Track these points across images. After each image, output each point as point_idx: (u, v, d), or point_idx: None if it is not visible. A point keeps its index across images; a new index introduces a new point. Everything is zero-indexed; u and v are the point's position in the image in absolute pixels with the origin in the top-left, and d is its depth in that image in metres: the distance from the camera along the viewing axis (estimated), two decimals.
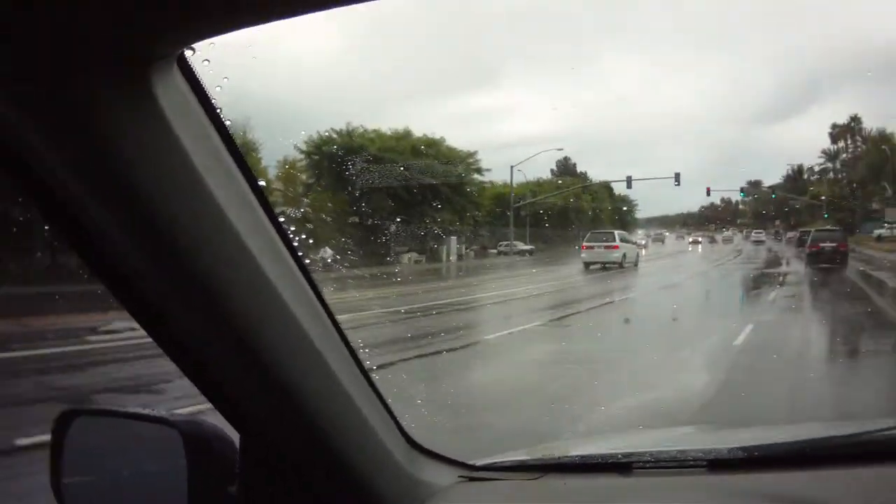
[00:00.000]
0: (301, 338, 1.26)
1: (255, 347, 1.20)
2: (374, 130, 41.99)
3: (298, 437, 1.34)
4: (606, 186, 69.39)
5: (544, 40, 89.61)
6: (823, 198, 71.04)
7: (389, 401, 1.56)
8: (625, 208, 71.72)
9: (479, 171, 47.85)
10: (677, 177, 44.44)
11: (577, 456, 2.00)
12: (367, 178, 31.28)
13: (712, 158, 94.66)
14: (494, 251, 47.49)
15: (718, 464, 1.73)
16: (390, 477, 1.51)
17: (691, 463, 1.76)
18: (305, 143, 39.37)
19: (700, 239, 67.15)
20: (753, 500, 1.59)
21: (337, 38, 61.85)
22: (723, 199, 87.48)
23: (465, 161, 45.82)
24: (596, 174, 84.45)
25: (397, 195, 35.43)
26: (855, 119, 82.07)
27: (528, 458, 1.94)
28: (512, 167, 51.29)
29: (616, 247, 33.47)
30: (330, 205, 31.93)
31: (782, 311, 17.92)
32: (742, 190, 64.76)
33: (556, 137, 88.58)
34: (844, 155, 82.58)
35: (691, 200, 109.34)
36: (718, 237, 72.24)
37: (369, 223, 31.03)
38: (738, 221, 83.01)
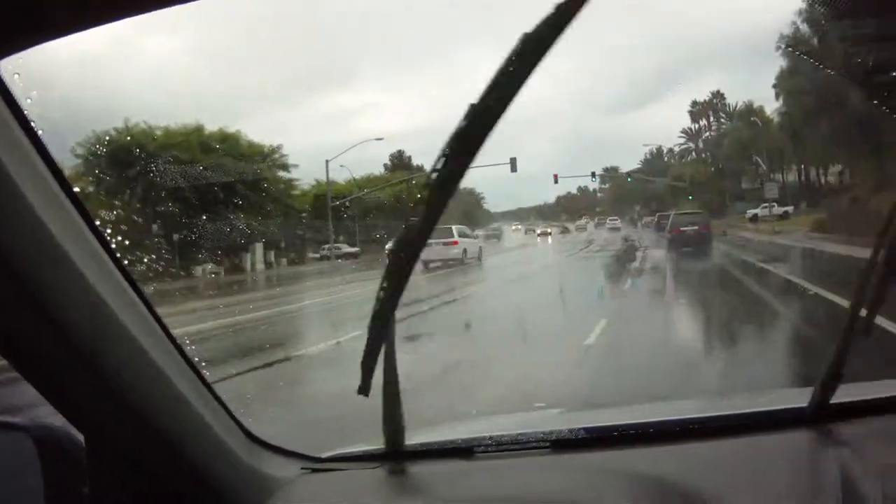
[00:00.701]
0: (132, 343, 1.31)
1: (89, 352, 1.24)
2: (163, 127, 38.07)
3: (137, 435, 1.36)
4: None
5: (397, 39, 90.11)
6: (687, 179, 63.72)
7: (225, 397, 1.59)
8: (472, 201, 69.06)
9: (284, 167, 45.12)
10: (513, 162, 43.15)
11: (418, 444, 1.95)
12: (145, 181, 29.45)
13: (571, 149, 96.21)
14: (317, 256, 44.14)
15: (560, 444, 1.82)
16: (232, 470, 1.55)
17: (533, 444, 1.82)
18: (80, 144, 33.70)
19: (549, 230, 63.74)
20: (593, 476, 1.65)
21: (178, 44, 62.75)
22: (580, 189, 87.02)
23: (268, 157, 43.74)
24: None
25: (184, 198, 31.69)
26: (717, 95, 76.66)
27: (371, 447, 1.95)
28: (327, 161, 46.81)
29: (455, 243, 32.25)
30: (105, 214, 26.36)
31: (640, 303, 17.10)
32: (593, 175, 61.12)
33: (412, 133, 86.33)
34: (707, 133, 78.33)
35: (549, 192, 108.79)
36: (572, 227, 70.31)
37: (155, 232, 29.26)
38: (597, 209, 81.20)
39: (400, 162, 68.25)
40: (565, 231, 65.62)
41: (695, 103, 77.26)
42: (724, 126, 72.62)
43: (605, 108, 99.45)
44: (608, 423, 1.95)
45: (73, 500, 1.37)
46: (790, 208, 51.48)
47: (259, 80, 72.41)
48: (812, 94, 36.76)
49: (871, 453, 1.52)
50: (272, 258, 41.00)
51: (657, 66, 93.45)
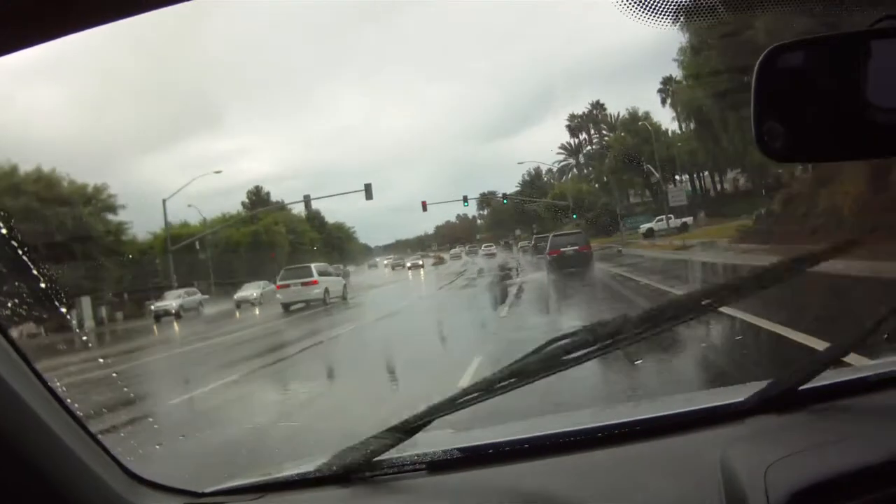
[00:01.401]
0: (3, 386, 1.32)
1: None
2: None
3: (13, 477, 1.36)
4: (317, 216, 66.39)
5: (266, 81, 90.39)
6: (569, 197, 57.35)
7: (104, 441, 1.60)
8: (341, 235, 68.57)
9: (111, 209, 42.05)
10: (367, 188, 41.72)
11: (295, 474, 1.97)
12: None
13: (450, 177, 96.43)
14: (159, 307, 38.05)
15: (436, 465, 1.82)
16: None
17: (409, 467, 1.82)
18: None
19: (420, 262, 59.30)
20: (468, 497, 1.66)
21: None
22: (458, 217, 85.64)
23: (90, 199, 40.64)
24: (326, 205, 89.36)
25: None
26: (597, 105, 70.86)
27: (251, 480, 1.98)
28: (164, 200, 43.28)
29: (314, 282, 30.81)
30: None
31: (520, 336, 13.81)
32: (465, 199, 56.16)
33: (290, 174, 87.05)
34: (588, 147, 71.99)
35: (429, 222, 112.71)
36: (447, 256, 69.37)
37: None
38: (477, 237, 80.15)
39: (258, 198, 64.32)
40: (439, 261, 63.32)
41: (573, 116, 72.31)
42: (606, 138, 66.67)
43: (483, 135, 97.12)
44: (482, 442, 1.93)
45: None
46: (688, 219, 44.79)
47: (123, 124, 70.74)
48: (725, 72, 29.92)
49: (751, 453, 1.49)
50: (103, 313, 38.25)
51: (533, 89, 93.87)
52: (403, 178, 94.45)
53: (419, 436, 2.34)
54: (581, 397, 6.90)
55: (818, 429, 1.63)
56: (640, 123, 54.95)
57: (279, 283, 31.81)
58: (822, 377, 1.81)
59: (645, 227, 46.41)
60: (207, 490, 1.92)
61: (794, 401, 1.75)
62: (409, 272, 53.48)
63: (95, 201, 39.82)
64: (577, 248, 29.80)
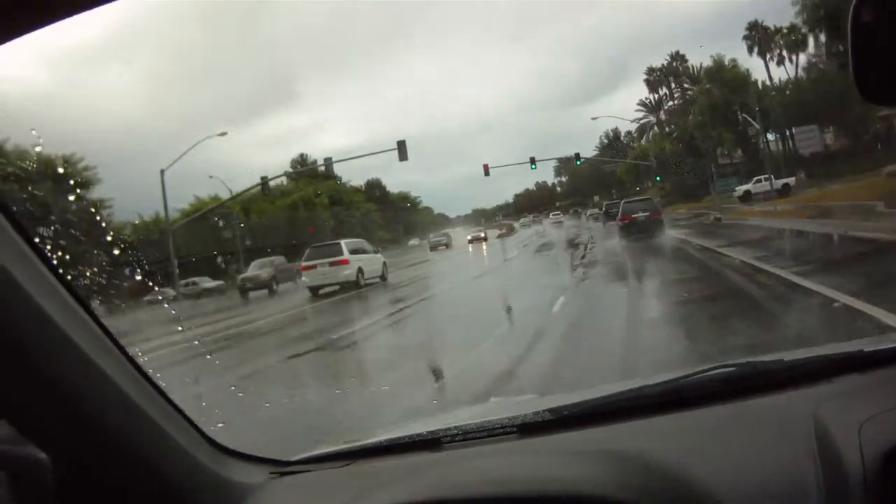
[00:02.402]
0: (89, 363, 1.36)
1: (47, 374, 1.30)
2: None
3: (102, 453, 1.40)
4: (378, 186, 66.73)
5: (339, 52, 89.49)
6: (651, 157, 52.58)
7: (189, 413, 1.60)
8: (405, 206, 67.82)
9: (83, 184, 35.96)
10: (401, 147, 37.09)
11: (384, 440, 1.98)
12: None
13: (527, 145, 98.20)
14: (157, 297, 29.44)
15: (526, 428, 1.80)
16: (199, 480, 1.57)
17: (500, 431, 1.81)
18: None
19: (482, 234, 54.16)
20: (560, 457, 1.63)
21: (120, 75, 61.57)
22: (537, 184, 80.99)
23: (66, 175, 34.20)
24: (408, 178, 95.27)
25: None
26: (677, 57, 65.26)
27: (339, 447, 1.98)
28: (162, 171, 37.58)
29: (345, 262, 26.14)
30: None
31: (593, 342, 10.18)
32: (532, 161, 47.61)
33: (366, 147, 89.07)
34: (670, 103, 66.13)
35: (509, 191, 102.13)
36: (517, 224, 65.81)
37: None
38: (557, 204, 76.15)
39: (303, 167, 59.73)
40: (508, 231, 58.82)
41: (651, 70, 66.69)
42: (689, 92, 61.29)
43: (559, 101, 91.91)
44: (572, 403, 1.91)
45: None
46: (790, 180, 39.79)
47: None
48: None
49: (844, 410, 1.47)
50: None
51: (610, 51, 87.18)
52: (481, 147, 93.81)
53: (506, 399, 2.76)
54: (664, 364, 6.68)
55: None
56: (729, 71, 49.71)
57: (304, 263, 27.26)
58: None
59: (741, 189, 41.58)
60: (294, 458, 1.91)
61: (882, 361, 1.71)
62: (470, 246, 49.21)
63: (73, 175, 34.81)
64: (647, 213, 29.91)
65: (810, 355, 1.91)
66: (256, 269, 32.67)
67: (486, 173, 47.08)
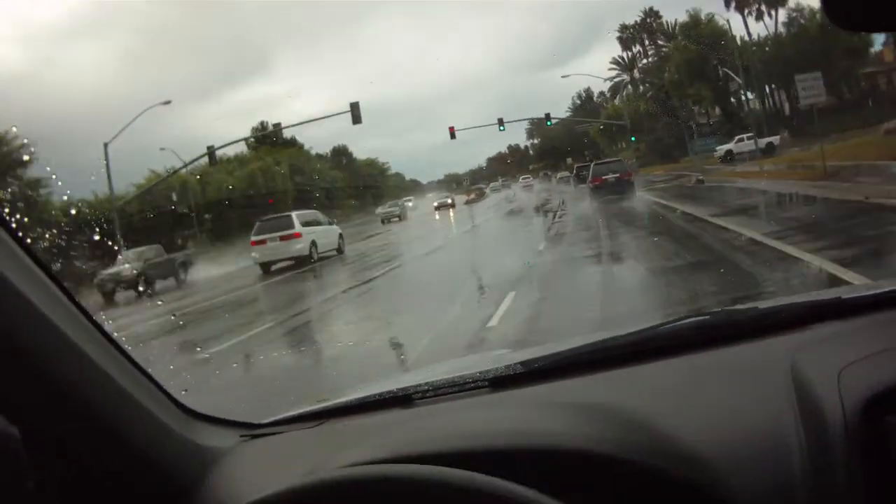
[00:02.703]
0: (54, 329, 1.33)
1: (11, 342, 1.26)
2: None
3: (70, 420, 1.39)
4: (344, 153, 66.05)
5: (312, 19, 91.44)
6: (626, 117, 50.74)
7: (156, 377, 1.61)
8: (371, 173, 66.55)
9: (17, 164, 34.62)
10: (354, 109, 35.91)
11: (355, 399, 1.97)
12: None
13: (500, 109, 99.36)
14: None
15: (499, 381, 1.79)
16: (168, 444, 1.56)
17: (471, 385, 1.81)
18: None
19: (450, 201, 53.18)
20: (533, 410, 1.62)
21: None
22: (510, 147, 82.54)
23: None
24: (380, 144, 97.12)
25: None
26: (651, 13, 62.85)
27: (309, 408, 1.96)
28: (105, 144, 34.98)
29: (297, 235, 24.82)
30: None
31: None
32: (500, 123, 45.82)
33: (339, 113, 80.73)
34: (644, 61, 63.64)
35: (481, 156, 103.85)
36: (487, 189, 66.45)
37: None
38: (530, 167, 77.25)
39: (266, 136, 56.50)
40: (477, 197, 57.29)
41: (624, 27, 64.38)
42: (664, 49, 58.94)
43: (531, 65, 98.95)
44: (543, 355, 1.90)
45: (18, 499, 1.31)
46: (775, 139, 37.75)
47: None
48: None
49: (822, 357, 1.47)
50: None
51: (581, 14, 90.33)
52: (454, 113, 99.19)
53: (480, 355, 2.57)
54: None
55: (889, 334, 1.55)
56: (706, 25, 47.38)
57: (253, 238, 25.50)
58: (884, 286, 1.82)
59: (722, 148, 39.37)
60: (265, 421, 1.91)
61: (859, 308, 1.71)
62: (437, 213, 47.46)
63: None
64: (618, 175, 30.25)
65: (786, 303, 1.90)
66: (123, 263, 26.02)
67: (452, 136, 45.49)
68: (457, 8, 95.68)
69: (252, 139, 55.59)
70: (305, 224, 25.53)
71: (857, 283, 3.71)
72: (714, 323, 1.85)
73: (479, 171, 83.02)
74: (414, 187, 79.82)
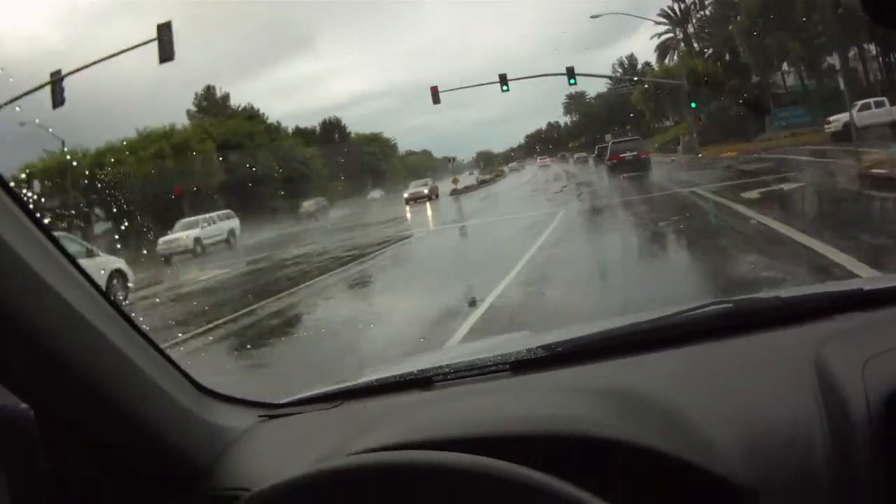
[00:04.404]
0: (69, 309, 1.32)
1: (26, 322, 1.24)
2: None
3: (85, 400, 1.37)
4: (336, 127, 60.57)
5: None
6: (683, 77, 39.02)
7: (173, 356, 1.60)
8: (374, 151, 60.08)
9: None
10: (503, 79, 34.93)
11: (374, 379, 1.95)
12: None
13: (540, 90, 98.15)
14: None
15: (520, 365, 1.79)
16: (185, 425, 1.56)
17: (492, 369, 1.81)
18: None
19: (426, 190, 41.01)
20: (554, 394, 1.62)
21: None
22: (549, 124, 79.15)
23: None
24: (419, 123, 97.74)
25: None
26: None
27: (328, 388, 1.96)
28: None
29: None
30: None
31: None
32: (502, 80, 35.46)
33: (382, 92, 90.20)
34: (701, 13, 50.35)
35: (519, 135, 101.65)
36: (506, 169, 66.69)
37: None
38: (570, 145, 72.43)
39: (210, 103, 47.99)
40: (496, 177, 56.00)
41: None
42: None
43: (572, 46, 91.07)
44: (566, 339, 1.87)
45: (31, 478, 1.36)
46: None
47: None
48: None
49: (847, 348, 1.45)
50: None
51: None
52: (494, 92, 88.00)
53: (502, 338, 2.60)
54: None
55: None
56: None
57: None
58: None
59: (837, 119, 26.09)
60: (283, 401, 1.90)
61: (883, 299, 1.69)
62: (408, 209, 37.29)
63: None
64: (635, 153, 30.08)
65: (809, 292, 1.90)
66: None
67: (436, 100, 36.18)
68: None
69: (194, 110, 45.84)
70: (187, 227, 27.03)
71: (882, 275, 3.16)
72: (738, 310, 1.80)
73: (517, 149, 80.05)
74: (439, 166, 73.81)
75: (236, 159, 37.28)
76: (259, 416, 1.80)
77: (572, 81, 35.63)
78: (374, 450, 1.35)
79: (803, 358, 1.43)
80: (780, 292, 1.85)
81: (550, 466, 1.11)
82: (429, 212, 32.14)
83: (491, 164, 73.99)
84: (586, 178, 34.88)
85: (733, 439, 1.30)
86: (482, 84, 37.87)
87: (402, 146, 73.40)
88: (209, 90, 46.76)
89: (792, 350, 1.51)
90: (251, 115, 47.13)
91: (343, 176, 52.23)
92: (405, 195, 38.76)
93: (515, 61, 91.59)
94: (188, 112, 44.86)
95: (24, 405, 1.33)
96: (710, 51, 44.53)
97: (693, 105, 34.94)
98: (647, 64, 54.62)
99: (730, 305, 1.81)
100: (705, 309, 1.80)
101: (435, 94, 35.68)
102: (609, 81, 59.22)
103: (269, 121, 48.98)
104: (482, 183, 47.67)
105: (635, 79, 47.28)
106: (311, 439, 1.67)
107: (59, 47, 53.00)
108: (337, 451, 1.42)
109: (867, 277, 1.90)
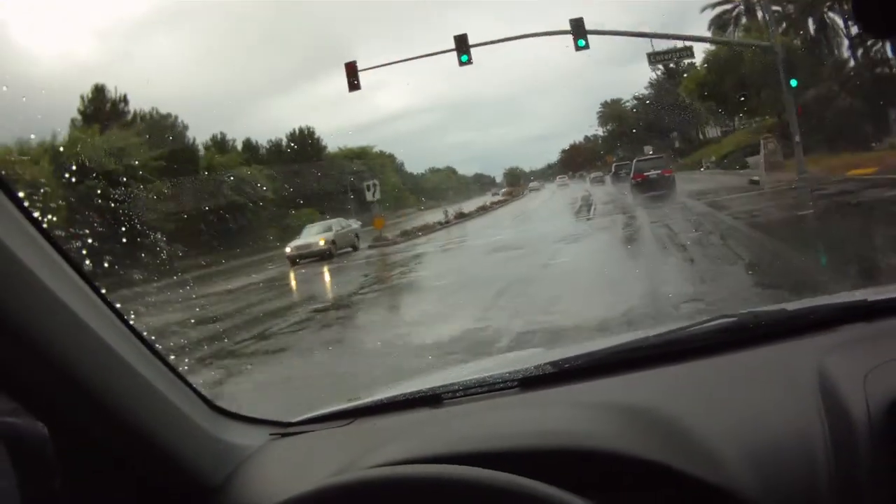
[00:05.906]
0: (84, 328, 1.32)
1: (42, 342, 1.25)
2: None
3: (99, 418, 1.38)
4: (308, 138, 53.00)
5: (398, 10, 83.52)
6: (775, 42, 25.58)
7: (186, 373, 1.59)
8: (359, 170, 48.64)
9: None
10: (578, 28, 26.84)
11: (385, 398, 1.99)
12: None
13: (579, 107, 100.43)
14: None
15: (528, 381, 1.80)
16: (198, 443, 1.56)
17: (501, 385, 1.82)
18: None
19: (320, 244, 29.38)
20: (563, 409, 1.63)
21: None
22: (586, 137, 78.16)
23: None
24: (457, 139, 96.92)
25: None
26: None
27: (340, 407, 1.97)
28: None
29: None
30: None
31: None
32: (460, 47, 27.99)
33: (427, 107, 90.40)
34: None
35: (554, 152, 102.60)
36: (526, 190, 65.29)
37: None
38: (597, 163, 69.48)
39: (98, 107, 42.02)
40: (494, 204, 50.19)
41: None
42: None
43: (615, 59, 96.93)
44: (573, 355, 1.91)
45: (46, 495, 1.37)
46: None
47: None
48: None
49: (849, 360, 1.49)
50: None
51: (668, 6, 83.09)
52: (530, 109, 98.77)
53: (510, 355, 2.56)
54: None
55: None
56: None
57: None
58: None
59: None
60: (295, 420, 1.91)
61: (885, 310, 1.71)
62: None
63: None
64: (659, 171, 29.93)
65: (813, 304, 1.91)
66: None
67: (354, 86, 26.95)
68: (530, 6, 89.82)
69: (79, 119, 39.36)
70: None
71: (885, 286, 2.83)
72: (741, 325, 1.82)
73: (554, 165, 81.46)
74: (465, 185, 75.00)
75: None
76: (271, 435, 1.81)
77: (581, 43, 26.66)
78: (385, 465, 1.37)
79: (806, 370, 1.45)
80: (786, 305, 1.85)
81: (559, 480, 1.14)
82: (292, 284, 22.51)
83: (517, 183, 74.06)
84: (606, 202, 31.98)
85: (738, 452, 1.31)
86: (434, 53, 28.83)
87: (442, 163, 75.36)
88: (99, 89, 41.43)
89: (796, 362, 1.52)
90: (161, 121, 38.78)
91: (302, 201, 41.79)
92: (287, 250, 26.86)
93: (561, 74, 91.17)
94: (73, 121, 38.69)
95: (39, 423, 1.32)
96: (793, 16, 31.06)
97: (793, 83, 21.38)
98: (692, 64, 41.25)
99: (734, 319, 1.80)
100: (710, 323, 1.81)
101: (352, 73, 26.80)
102: (652, 74, 51.37)
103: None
104: (459, 217, 38.22)
105: (697, 40, 34.25)
106: (323, 457, 1.68)
107: (100, 61, 55.05)
108: (348, 469, 1.44)
109: (872, 289, 1.66)
